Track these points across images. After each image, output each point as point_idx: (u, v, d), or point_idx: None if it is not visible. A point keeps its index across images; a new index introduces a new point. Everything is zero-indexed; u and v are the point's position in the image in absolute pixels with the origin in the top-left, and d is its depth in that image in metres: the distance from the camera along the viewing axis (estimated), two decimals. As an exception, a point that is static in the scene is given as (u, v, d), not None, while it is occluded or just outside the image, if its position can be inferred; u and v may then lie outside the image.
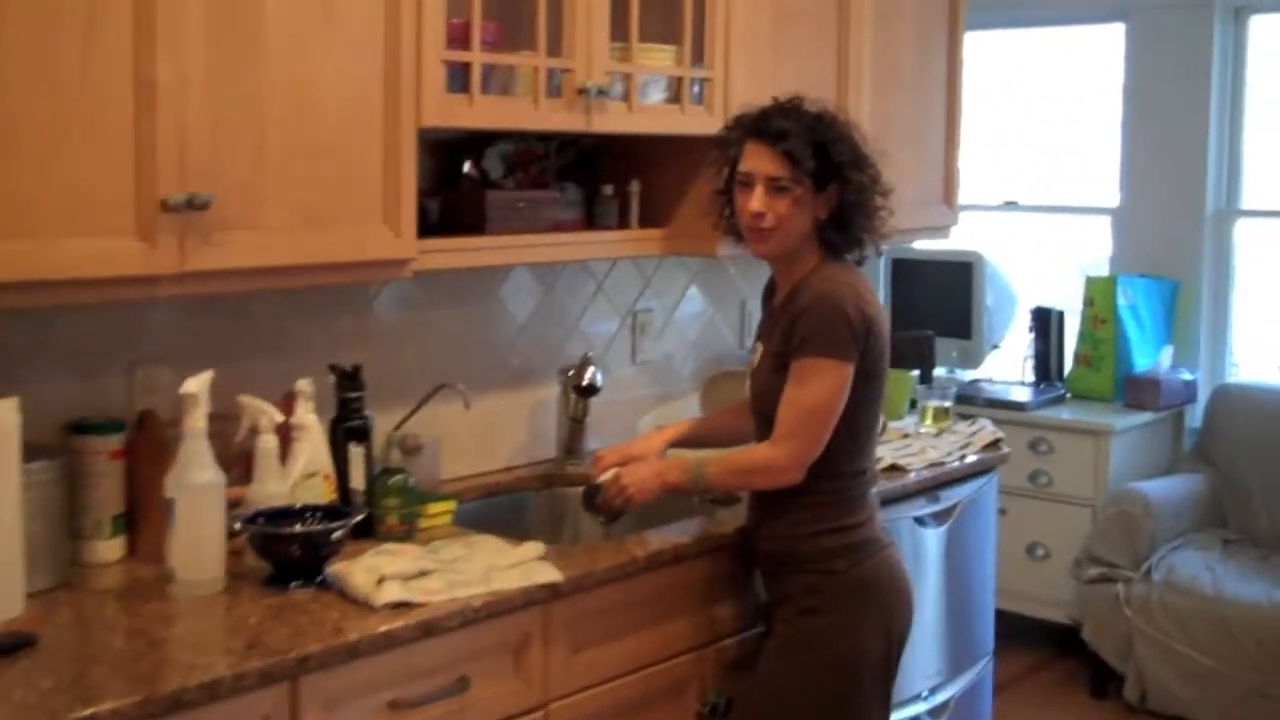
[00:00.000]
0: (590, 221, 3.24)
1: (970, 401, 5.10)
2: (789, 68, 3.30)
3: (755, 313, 3.04)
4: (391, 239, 2.55)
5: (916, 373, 3.92)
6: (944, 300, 5.49)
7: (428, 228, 2.86)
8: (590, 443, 3.31)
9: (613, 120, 2.93)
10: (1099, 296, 5.15)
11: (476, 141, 3.10)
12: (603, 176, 3.29)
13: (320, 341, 2.89)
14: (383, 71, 2.50)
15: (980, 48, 5.68)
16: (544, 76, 2.78)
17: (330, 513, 2.48)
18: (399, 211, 2.55)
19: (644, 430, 3.39)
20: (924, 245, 5.17)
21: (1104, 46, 5.51)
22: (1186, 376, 5.14)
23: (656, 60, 3.04)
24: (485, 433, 3.25)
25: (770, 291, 2.82)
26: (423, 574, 2.35)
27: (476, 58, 2.66)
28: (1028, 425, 4.99)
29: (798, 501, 2.65)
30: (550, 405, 3.35)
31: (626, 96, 2.97)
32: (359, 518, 2.47)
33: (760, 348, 2.76)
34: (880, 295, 5.73)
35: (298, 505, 2.49)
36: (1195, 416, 5.18)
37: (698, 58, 3.12)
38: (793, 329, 2.58)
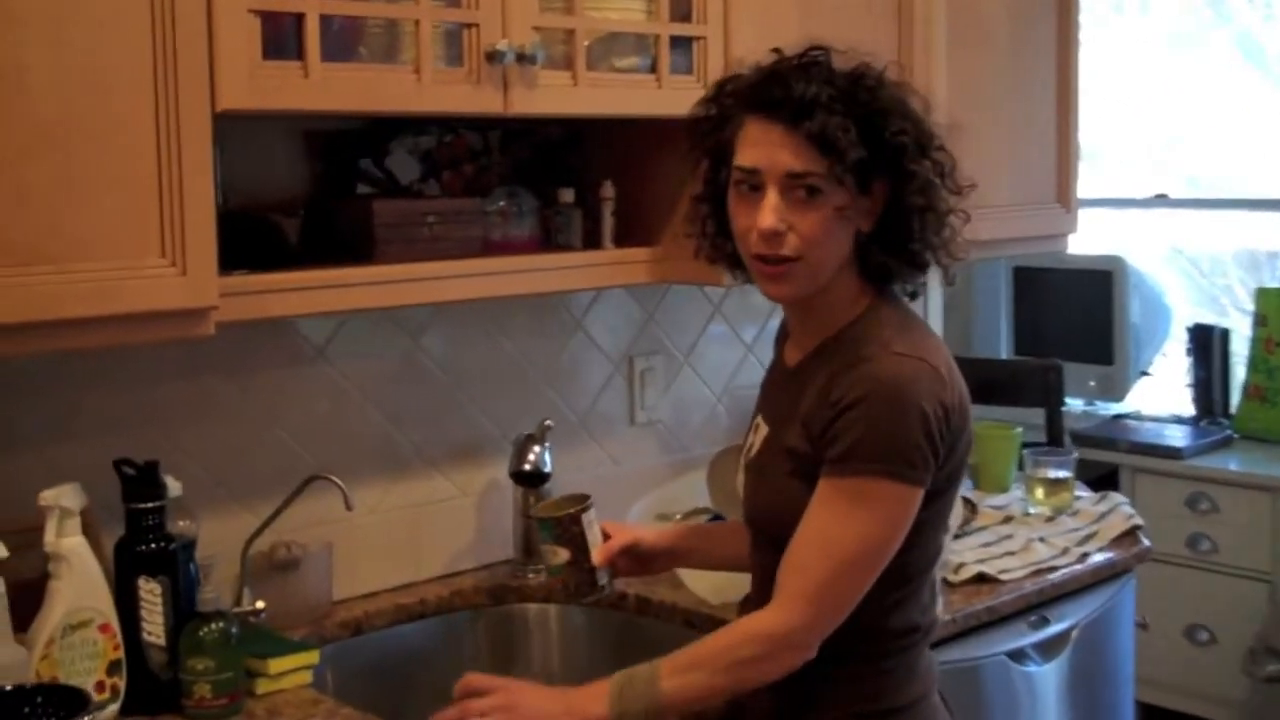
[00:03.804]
0: (549, 239, 2.36)
1: (1109, 445, 4.14)
2: (822, 20, 2.37)
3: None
4: (173, 279, 1.70)
5: (1020, 430, 2.94)
6: (1079, 318, 4.62)
7: (284, 257, 2.03)
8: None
9: (546, 98, 2.04)
10: (1273, 312, 4.11)
11: (379, 133, 2.24)
12: (575, 178, 2.40)
13: (136, 418, 2.06)
14: (149, 26, 1.65)
15: (1116, 4, 4.68)
16: (429, 35, 1.91)
17: (68, 699, 1.63)
18: (184, 239, 1.70)
19: (634, 521, 2.50)
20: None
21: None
22: (1392, 412, 4.06)
23: (616, 11, 2.14)
24: (412, 531, 2.39)
25: (785, 337, 1.90)
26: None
27: (312, 5, 1.80)
28: (1185, 477, 4.02)
29: (816, 671, 1.69)
30: (508, 489, 2.47)
31: (570, 64, 2.08)
32: (89, 718, 1.60)
33: (763, 427, 1.83)
34: (1000, 313, 4.78)
35: (18, 685, 1.64)
36: (1404, 462, 4.09)
37: (683, 8, 2.22)
38: (832, 424, 1.64)
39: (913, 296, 1.81)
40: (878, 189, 1.68)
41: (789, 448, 1.71)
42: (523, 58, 1.98)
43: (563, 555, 1.88)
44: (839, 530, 1.63)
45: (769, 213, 1.64)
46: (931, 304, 3.26)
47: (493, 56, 1.95)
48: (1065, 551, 2.50)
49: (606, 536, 1.92)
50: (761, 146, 1.65)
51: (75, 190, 1.61)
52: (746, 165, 1.66)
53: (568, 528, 1.87)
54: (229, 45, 1.71)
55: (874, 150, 1.65)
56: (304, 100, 1.81)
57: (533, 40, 1.99)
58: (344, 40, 1.89)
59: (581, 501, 1.90)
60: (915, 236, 1.70)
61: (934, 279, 1.88)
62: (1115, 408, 4.53)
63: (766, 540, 1.76)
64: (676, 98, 2.15)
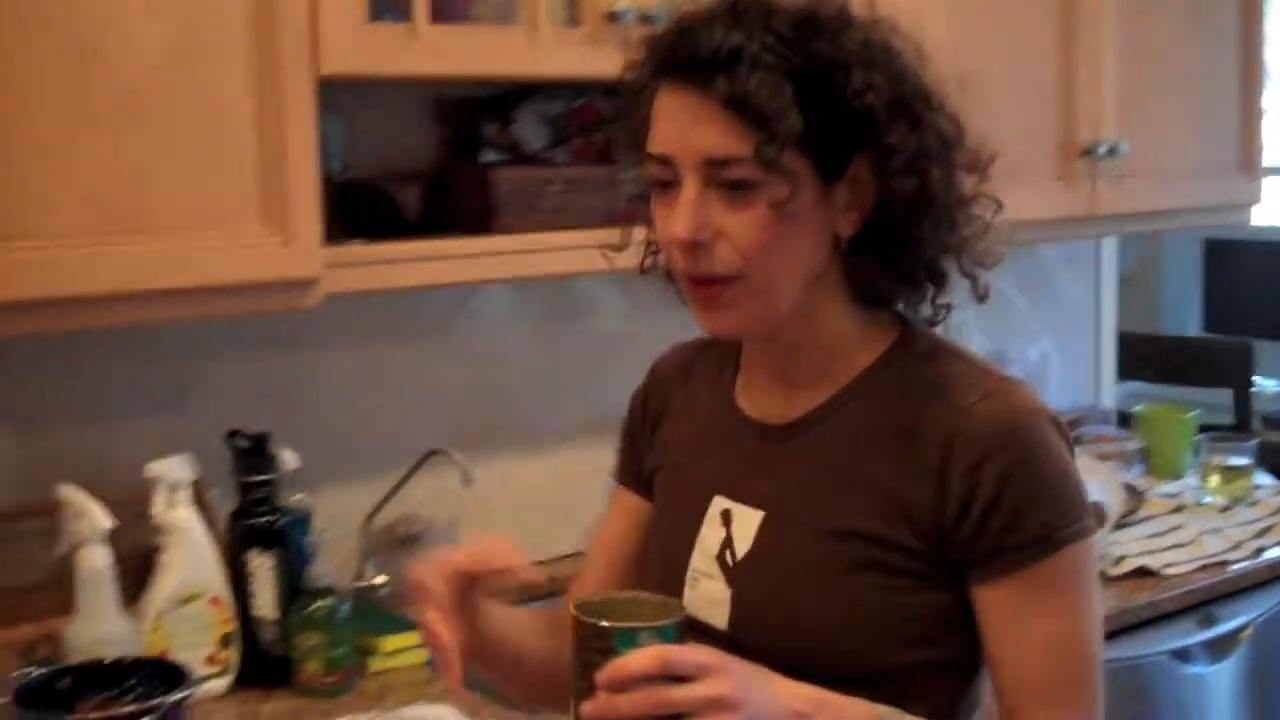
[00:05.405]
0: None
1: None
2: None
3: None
4: (274, 249, 1.66)
5: (1197, 412, 2.74)
6: (1275, 293, 4.29)
7: (402, 227, 1.99)
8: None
9: (671, 58, 1.95)
10: None
11: (506, 99, 2.18)
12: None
13: (257, 389, 2.04)
14: (249, -11, 1.61)
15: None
16: (545, -6, 1.84)
17: (168, 675, 1.61)
18: (286, 207, 1.66)
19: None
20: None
21: None
22: None
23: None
24: (544, 507, 2.33)
25: (729, 375, 1.38)
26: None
27: (419, -36, 1.74)
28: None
29: None
30: (643, 466, 2.39)
31: (699, 22, 1.98)
32: (187, 693, 1.57)
33: (746, 513, 1.28)
34: (1191, 288, 4.53)
35: (128, 658, 1.63)
36: None
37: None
38: (994, 505, 1.18)
39: (931, 324, 1.30)
40: (858, 176, 1.21)
41: (851, 531, 1.22)
42: (646, 18, 1.89)
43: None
44: (1075, 624, 1.22)
45: (684, 216, 1.18)
46: (1104, 279, 3.06)
47: (614, 16, 1.87)
48: (1238, 545, 2.31)
49: None
50: (672, 123, 1.20)
51: (170, 159, 1.58)
52: (656, 152, 1.22)
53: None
54: (332, 5, 1.67)
55: (831, 118, 1.18)
56: (412, 64, 1.76)
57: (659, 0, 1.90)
58: (457, 3, 1.83)
59: (676, 609, 1.13)
60: (911, 237, 1.23)
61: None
62: (1313, 391, 4.26)
63: (792, 668, 1.17)
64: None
